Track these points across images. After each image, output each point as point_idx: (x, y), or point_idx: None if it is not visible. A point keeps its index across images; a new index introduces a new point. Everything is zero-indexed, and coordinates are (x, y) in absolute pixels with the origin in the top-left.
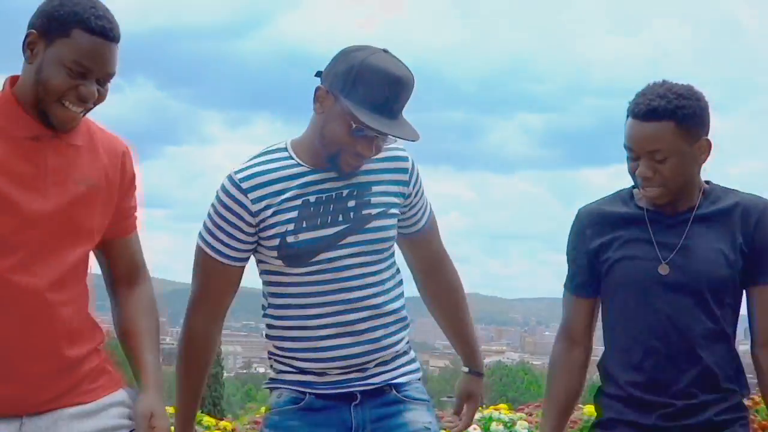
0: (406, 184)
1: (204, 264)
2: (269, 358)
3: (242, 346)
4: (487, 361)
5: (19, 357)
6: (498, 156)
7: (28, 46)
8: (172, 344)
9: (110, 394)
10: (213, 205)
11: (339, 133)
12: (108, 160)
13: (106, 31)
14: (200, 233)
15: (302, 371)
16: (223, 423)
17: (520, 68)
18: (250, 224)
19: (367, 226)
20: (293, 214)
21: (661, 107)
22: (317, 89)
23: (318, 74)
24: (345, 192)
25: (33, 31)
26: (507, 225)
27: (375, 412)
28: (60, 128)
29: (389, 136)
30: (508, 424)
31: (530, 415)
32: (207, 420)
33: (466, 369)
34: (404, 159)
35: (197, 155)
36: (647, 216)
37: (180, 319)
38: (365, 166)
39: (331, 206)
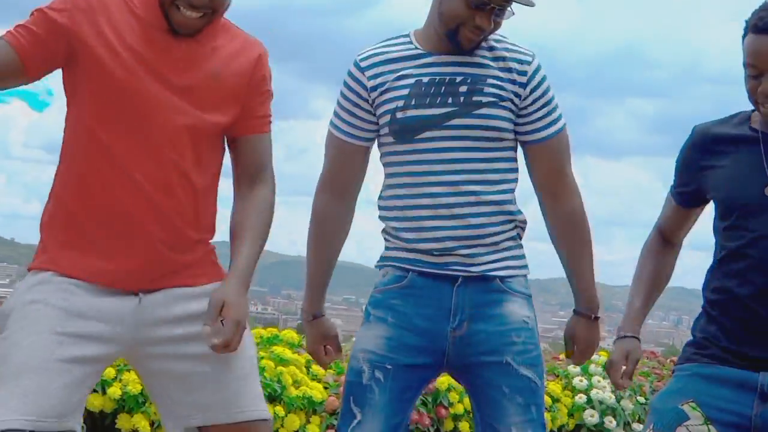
0: (523, 85)
1: (331, 144)
2: (383, 238)
3: (342, 320)
4: None
5: (147, 228)
6: (605, 141)
7: None
8: (274, 314)
9: (213, 282)
10: (340, 89)
11: (457, 7)
12: (243, 60)
13: None
14: (331, 118)
15: (407, 250)
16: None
17: (632, 53)
18: (366, 100)
19: (476, 112)
20: (405, 91)
21: None
22: None
23: None
24: (459, 78)
25: None
26: (612, 211)
27: (476, 297)
28: (179, 30)
29: (507, 13)
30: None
31: None
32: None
33: (574, 309)
34: (527, 62)
35: (304, 129)
36: (762, 138)
37: (282, 291)
38: (483, 58)
39: (443, 88)
